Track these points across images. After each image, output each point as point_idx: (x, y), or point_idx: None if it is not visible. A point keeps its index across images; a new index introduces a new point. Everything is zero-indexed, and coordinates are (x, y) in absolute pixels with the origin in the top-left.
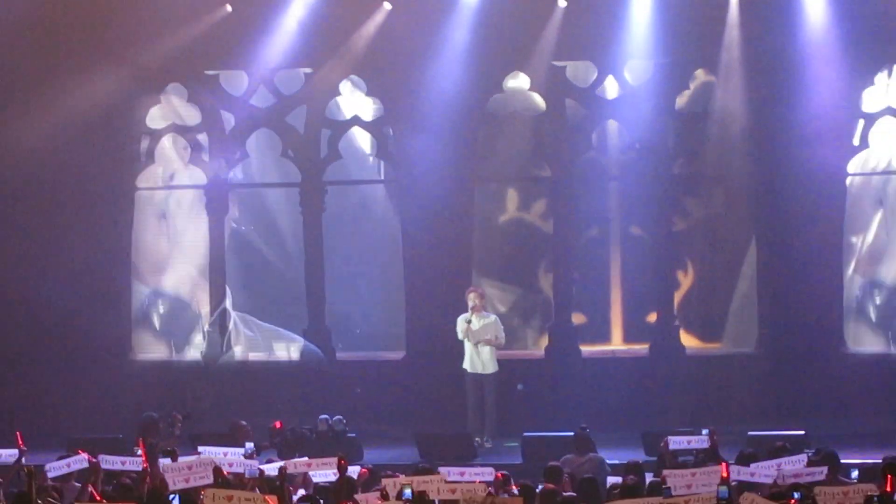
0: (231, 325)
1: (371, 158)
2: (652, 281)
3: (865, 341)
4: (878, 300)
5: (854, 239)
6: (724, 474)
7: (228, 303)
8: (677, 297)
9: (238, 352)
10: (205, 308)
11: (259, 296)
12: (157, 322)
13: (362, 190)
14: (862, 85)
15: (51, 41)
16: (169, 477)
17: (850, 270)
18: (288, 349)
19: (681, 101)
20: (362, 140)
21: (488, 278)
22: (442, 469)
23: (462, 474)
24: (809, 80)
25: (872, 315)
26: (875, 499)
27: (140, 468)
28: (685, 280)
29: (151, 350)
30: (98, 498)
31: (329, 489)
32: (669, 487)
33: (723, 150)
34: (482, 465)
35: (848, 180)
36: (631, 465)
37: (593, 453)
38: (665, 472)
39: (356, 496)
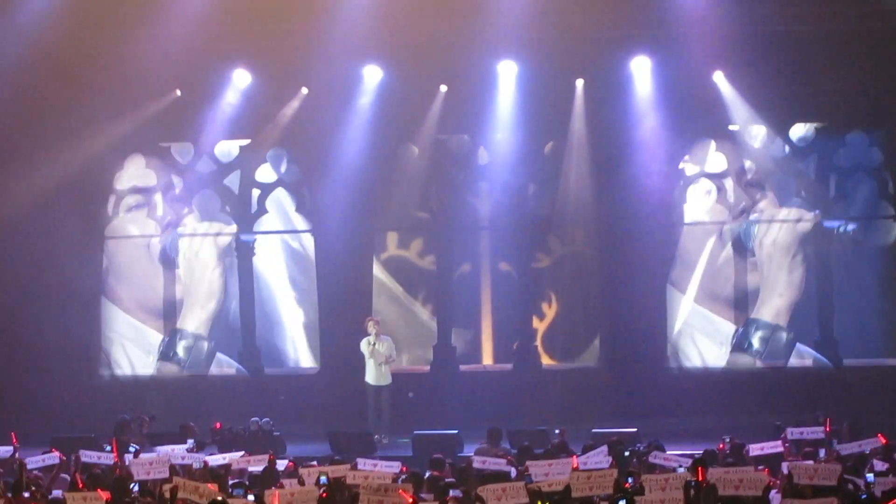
0: (182, 347)
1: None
2: (517, 310)
3: (694, 357)
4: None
5: (696, 273)
6: (575, 465)
7: (182, 327)
8: (543, 326)
9: (186, 366)
10: (159, 333)
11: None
12: (126, 343)
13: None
14: (683, 151)
15: (38, 117)
16: (133, 469)
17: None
18: (233, 361)
19: (538, 165)
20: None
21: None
22: (359, 460)
23: (374, 465)
24: (641, 146)
25: (703, 336)
26: (692, 483)
27: (111, 462)
28: (549, 311)
29: (121, 365)
30: (80, 485)
31: (257, 477)
32: (531, 475)
33: (578, 202)
34: (392, 459)
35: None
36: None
37: (505, 445)
38: (528, 462)
39: (283, 481)
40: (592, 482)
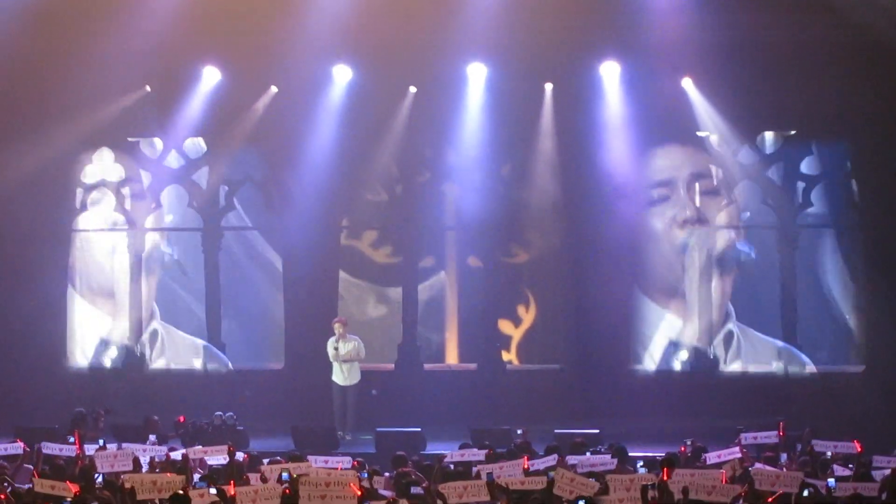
0: (149, 336)
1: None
2: (484, 309)
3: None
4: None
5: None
6: (525, 465)
7: (152, 317)
8: (519, 332)
9: (154, 359)
10: (124, 324)
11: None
12: (92, 337)
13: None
14: (650, 156)
15: (6, 110)
16: (98, 462)
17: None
18: (198, 355)
19: (505, 170)
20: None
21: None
22: (310, 457)
23: (326, 462)
24: (609, 150)
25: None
26: (650, 486)
27: (74, 454)
28: (527, 316)
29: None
30: (37, 476)
31: (221, 470)
32: (491, 472)
33: (544, 204)
34: (342, 455)
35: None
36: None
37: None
38: (487, 460)
39: (248, 475)
40: (575, 486)
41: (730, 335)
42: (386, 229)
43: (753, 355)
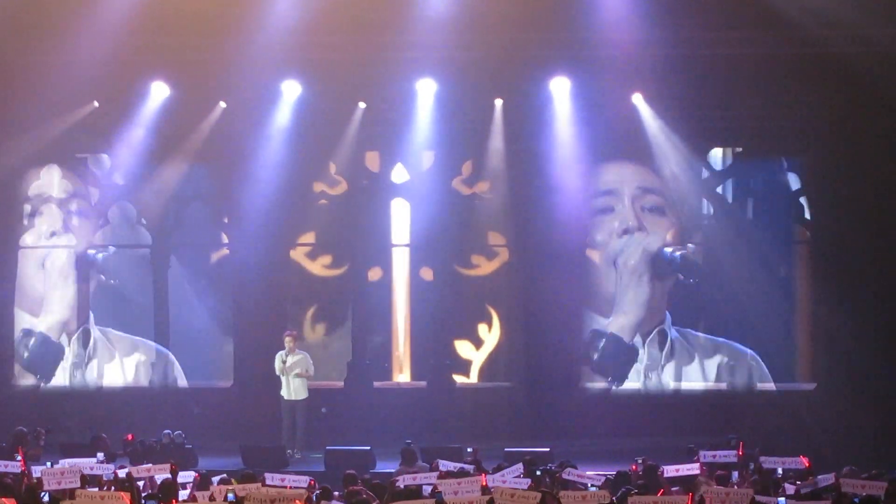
0: (92, 346)
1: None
2: (438, 324)
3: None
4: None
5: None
6: (483, 483)
7: (92, 332)
8: (482, 356)
9: (96, 372)
10: (73, 345)
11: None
12: (27, 356)
13: None
14: (600, 172)
15: None
16: (45, 479)
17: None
18: (142, 356)
19: (455, 183)
20: None
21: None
22: (267, 475)
23: (283, 480)
24: (559, 166)
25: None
26: None
27: (19, 471)
28: (490, 336)
29: (27, 378)
30: None
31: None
32: (441, 493)
33: (495, 221)
34: (299, 474)
35: (588, 251)
36: None
37: (421, 462)
38: (437, 480)
39: (195, 493)
40: (516, 501)
41: (664, 336)
42: (329, 241)
43: (691, 357)
